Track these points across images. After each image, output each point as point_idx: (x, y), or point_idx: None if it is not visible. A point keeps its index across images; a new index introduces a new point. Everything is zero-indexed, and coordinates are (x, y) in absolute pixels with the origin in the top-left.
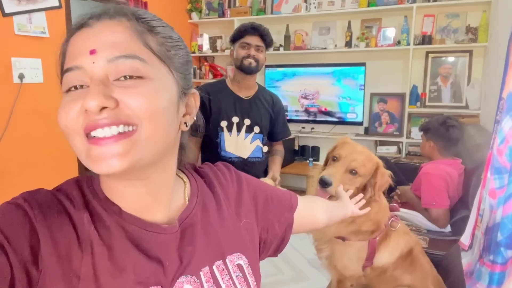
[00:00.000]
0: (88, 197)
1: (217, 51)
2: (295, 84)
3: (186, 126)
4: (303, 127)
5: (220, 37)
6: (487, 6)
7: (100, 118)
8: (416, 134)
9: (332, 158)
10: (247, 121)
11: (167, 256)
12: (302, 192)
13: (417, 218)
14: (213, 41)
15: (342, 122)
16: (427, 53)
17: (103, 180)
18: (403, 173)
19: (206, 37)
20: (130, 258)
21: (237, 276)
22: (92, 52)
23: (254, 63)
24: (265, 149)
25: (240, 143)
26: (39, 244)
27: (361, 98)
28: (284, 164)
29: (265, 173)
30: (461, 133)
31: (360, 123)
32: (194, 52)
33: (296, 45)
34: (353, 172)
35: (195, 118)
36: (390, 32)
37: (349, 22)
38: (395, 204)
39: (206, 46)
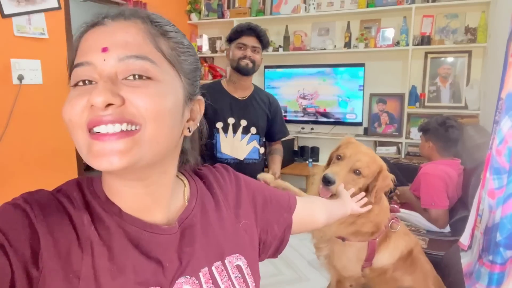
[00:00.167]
0: (88, 198)
1: (216, 52)
2: (294, 85)
3: (189, 131)
4: (303, 128)
5: (220, 38)
6: (486, 6)
7: (104, 114)
8: (416, 135)
9: (336, 157)
10: (243, 122)
11: (166, 256)
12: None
13: (417, 219)
14: (212, 42)
15: (341, 122)
16: (426, 53)
17: (105, 180)
18: (403, 173)
19: (205, 38)
20: (130, 259)
21: (236, 277)
22: (104, 49)
23: (250, 64)
24: (262, 150)
25: (236, 144)
26: (39, 245)
27: (361, 98)
28: (284, 165)
29: None
30: (460, 134)
31: (360, 124)
32: None
33: (295, 46)
34: (357, 172)
35: (198, 124)
36: (389, 33)
37: (348, 22)
38: (395, 206)
39: (205, 47)
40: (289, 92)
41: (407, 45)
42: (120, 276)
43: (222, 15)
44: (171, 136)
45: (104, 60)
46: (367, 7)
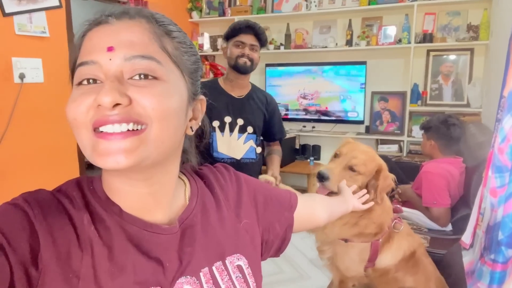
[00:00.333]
0: (89, 198)
1: (217, 50)
2: (296, 83)
3: (192, 130)
4: (304, 126)
5: (221, 36)
6: (488, 3)
7: (111, 114)
8: (417, 133)
9: (334, 156)
10: (240, 121)
11: (167, 256)
12: (303, 191)
13: (418, 217)
14: (213, 40)
15: (343, 121)
16: (428, 51)
17: (105, 180)
18: (404, 172)
19: (206, 36)
20: (130, 259)
21: (236, 277)
22: (110, 49)
23: (248, 63)
24: (259, 150)
25: (233, 143)
26: (39, 245)
27: (362, 96)
28: (285, 163)
29: (259, 175)
30: (462, 132)
31: (361, 122)
32: None
33: (296, 44)
34: (353, 169)
35: (200, 123)
36: (391, 31)
37: (350, 20)
38: (398, 206)
39: (206, 45)
40: (290, 90)
41: (409, 42)
42: (120, 276)
43: (223, 13)
44: (176, 136)
45: (110, 59)
46: (369, 4)
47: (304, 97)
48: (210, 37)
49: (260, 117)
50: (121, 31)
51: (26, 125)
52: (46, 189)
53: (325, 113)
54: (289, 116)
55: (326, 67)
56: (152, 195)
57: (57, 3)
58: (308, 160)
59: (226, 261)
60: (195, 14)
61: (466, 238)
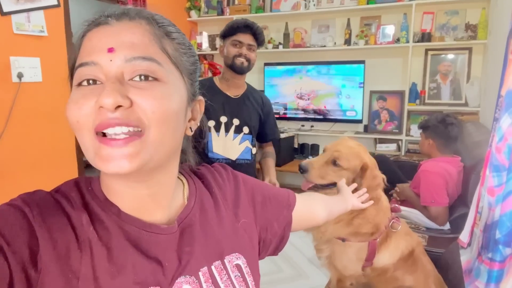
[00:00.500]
0: (87, 198)
1: (216, 49)
2: (294, 82)
3: (191, 131)
4: (303, 125)
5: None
6: (486, 3)
7: (112, 117)
8: (416, 132)
9: (323, 151)
10: (236, 121)
11: (166, 256)
12: (302, 190)
13: (416, 216)
14: (212, 39)
15: (341, 120)
16: (427, 50)
17: (103, 180)
18: (402, 170)
19: (205, 35)
20: (129, 259)
21: (235, 276)
22: (111, 50)
23: (246, 63)
24: (254, 150)
25: (228, 144)
26: (38, 245)
27: (361, 95)
28: (284, 162)
29: (254, 176)
30: (460, 131)
31: (360, 121)
32: None
33: (295, 43)
34: (335, 163)
35: (199, 123)
36: (389, 30)
37: (348, 19)
38: (396, 205)
39: (205, 44)
40: (289, 89)
41: (407, 42)
42: (119, 276)
43: (221, 12)
44: (176, 137)
45: (111, 60)
46: (367, 4)
47: (300, 97)
48: (209, 36)
49: (256, 118)
50: (121, 32)
51: (24, 125)
52: (44, 189)
53: (324, 112)
54: (288, 115)
55: (324, 66)
56: (152, 196)
57: (55, 2)
58: (307, 159)
59: (225, 260)
60: (193, 13)
61: (464, 237)
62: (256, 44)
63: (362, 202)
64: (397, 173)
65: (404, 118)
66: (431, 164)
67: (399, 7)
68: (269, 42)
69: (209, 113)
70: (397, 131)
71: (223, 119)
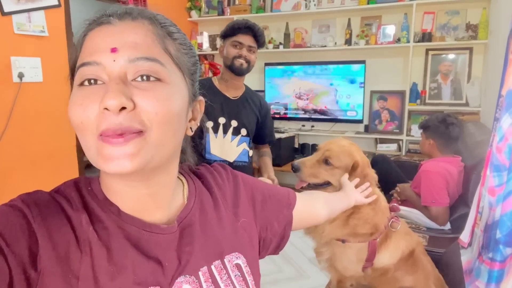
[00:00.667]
0: (87, 198)
1: (216, 49)
2: (295, 82)
3: (192, 131)
4: (303, 125)
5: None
6: (487, 3)
7: (117, 123)
8: (416, 132)
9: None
10: (234, 123)
11: (166, 256)
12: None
13: (417, 216)
14: (212, 39)
15: (342, 120)
16: (427, 50)
17: (103, 180)
18: (403, 170)
19: (205, 35)
20: (129, 259)
21: (235, 275)
22: (114, 50)
23: (245, 64)
24: (251, 153)
25: (226, 145)
26: (37, 246)
27: (361, 95)
28: (284, 162)
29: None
30: (461, 131)
31: (360, 121)
32: None
33: (295, 43)
34: (327, 162)
35: (199, 123)
36: (390, 30)
37: (349, 19)
38: (395, 204)
39: (205, 44)
40: (289, 89)
41: (408, 42)
42: (119, 276)
43: (222, 12)
44: (177, 137)
45: (114, 60)
46: (368, 3)
47: (303, 96)
48: (209, 36)
49: (254, 120)
50: (124, 32)
51: (25, 125)
52: (44, 189)
53: (324, 112)
54: (288, 115)
55: (325, 66)
56: (152, 196)
57: (56, 2)
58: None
59: (225, 260)
60: (194, 13)
61: (464, 236)
62: (256, 46)
63: (366, 197)
64: (397, 173)
65: (405, 118)
66: (432, 164)
67: (400, 7)
68: (269, 42)
69: (207, 114)
70: (398, 131)
71: (222, 120)
